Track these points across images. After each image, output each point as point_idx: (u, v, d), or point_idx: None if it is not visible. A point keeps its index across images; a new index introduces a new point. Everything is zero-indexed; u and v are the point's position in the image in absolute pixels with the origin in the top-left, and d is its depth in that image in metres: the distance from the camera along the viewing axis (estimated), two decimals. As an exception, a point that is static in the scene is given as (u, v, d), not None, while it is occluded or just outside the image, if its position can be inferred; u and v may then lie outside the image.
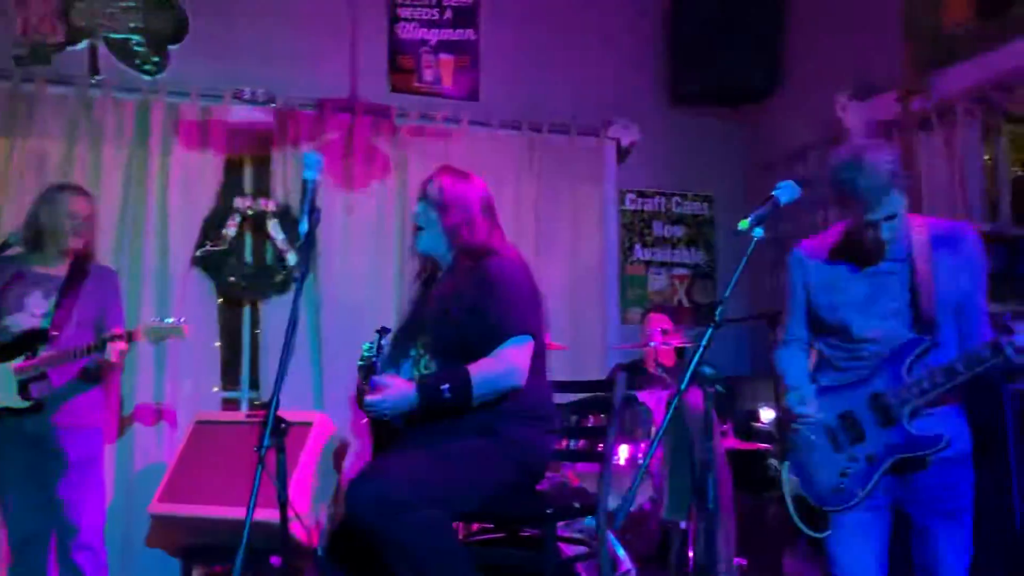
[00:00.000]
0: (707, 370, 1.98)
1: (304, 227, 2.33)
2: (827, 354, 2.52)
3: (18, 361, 3.34)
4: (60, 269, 3.52)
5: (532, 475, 2.72)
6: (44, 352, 3.36)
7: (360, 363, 2.54)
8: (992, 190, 4.34)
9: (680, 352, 4.36)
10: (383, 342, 2.60)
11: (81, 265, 3.54)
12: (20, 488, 3.42)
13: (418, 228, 2.75)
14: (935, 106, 4.28)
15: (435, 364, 2.68)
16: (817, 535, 2.41)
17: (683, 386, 1.97)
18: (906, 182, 2.34)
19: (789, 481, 2.48)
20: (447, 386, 2.53)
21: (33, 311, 3.44)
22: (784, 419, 2.52)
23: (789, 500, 2.47)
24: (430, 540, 2.40)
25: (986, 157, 4.40)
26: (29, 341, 3.38)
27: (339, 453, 3.89)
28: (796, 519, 2.46)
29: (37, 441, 3.39)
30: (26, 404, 3.33)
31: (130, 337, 3.34)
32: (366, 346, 2.57)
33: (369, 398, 2.57)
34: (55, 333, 3.37)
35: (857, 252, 2.43)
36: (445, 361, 2.64)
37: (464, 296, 2.62)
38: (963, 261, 2.39)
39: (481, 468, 2.55)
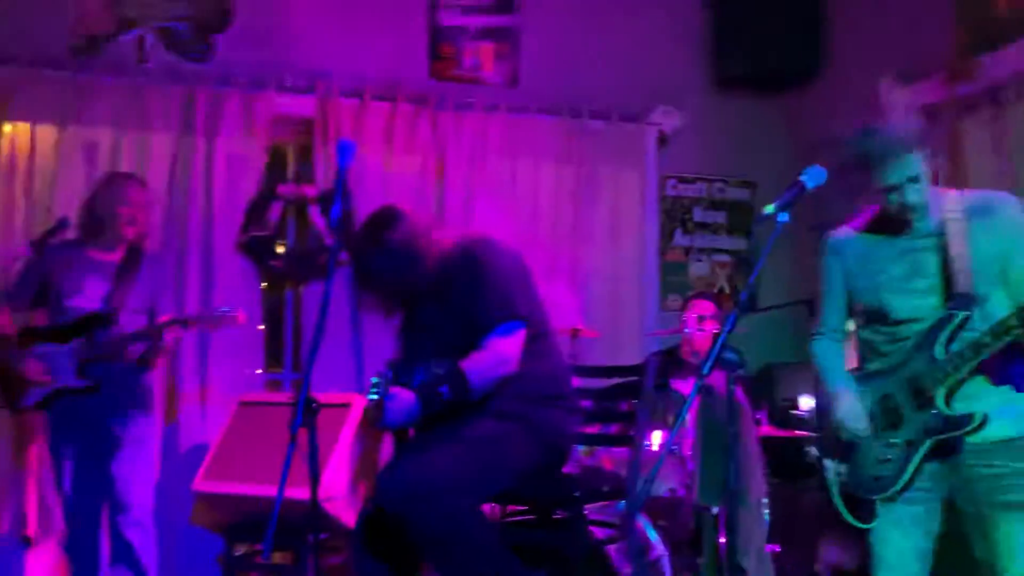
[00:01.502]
0: (730, 356, 1.99)
1: (337, 211, 2.38)
2: (870, 339, 2.48)
3: (77, 343, 3.44)
4: (116, 255, 3.61)
5: (555, 455, 2.75)
6: (101, 335, 3.45)
7: (371, 396, 2.57)
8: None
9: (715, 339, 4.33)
10: (389, 375, 2.63)
11: (136, 252, 3.63)
12: (76, 465, 3.53)
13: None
14: (983, 90, 4.19)
15: (446, 361, 2.68)
16: (863, 526, 2.38)
17: (706, 371, 1.97)
18: (925, 144, 2.29)
19: (834, 472, 2.45)
20: (445, 387, 2.57)
21: (91, 295, 3.54)
22: (829, 418, 2.49)
23: (835, 490, 2.46)
24: (461, 528, 2.45)
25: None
26: (88, 324, 3.47)
27: (377, 434, 3.94)
28: (842, 509, 2.44)
29: (94, 420, 3.49)
30: (83, 385, 3.44)
31: (185, 324, 3.42)
32: (375, 380, 2.59)
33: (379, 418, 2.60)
34: (112, 317, 3.47)
35: (887, 223, 2.39)
36: (456, 357, 2.65)
37: (456, 296, 2.66)
38: (999, 227, 2.31)
39: (504, 453, 2.59)
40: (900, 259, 2.39)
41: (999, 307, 2.28)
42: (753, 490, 3.16)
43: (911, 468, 2.31)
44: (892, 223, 2.38)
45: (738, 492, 3.09)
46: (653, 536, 3.35)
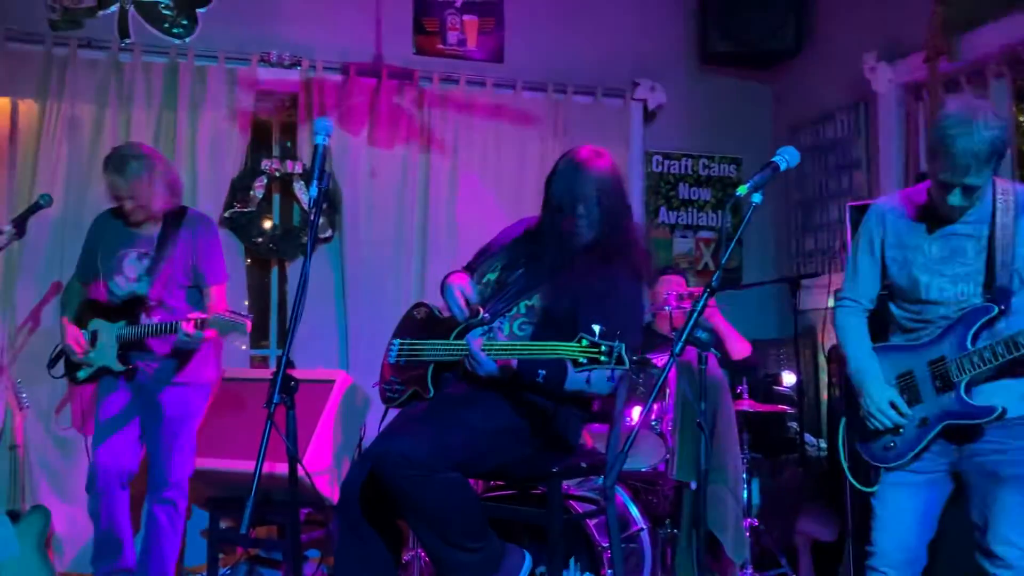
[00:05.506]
0: (701, 335, 2.01)
1: (315, 191, 2.39)
2: (896, 314, 2.52)
3: (121, 326, 3.43)
4: (153, 228, 3.53)
5: (553, 452, 2.77)
6: (143, 318, 3.42)
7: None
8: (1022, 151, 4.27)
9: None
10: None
11: (173, 223, 3.51)
12: (112, 433, 3.49)
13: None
14: (964, 68, 4.20)
15: (529, 329, 2.70)
16: (866, 489, 2.47)
17: (677, 350, 2.00)
18: (1001, 159, 2.29)
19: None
20: (543, 372, 2.58)
21: (128, 274, 3.51)
22: (848, 386, 2.53)
23: (843, 454, 2.52)
24: (450, 501, 2.50)
25: (1021, 119, 4.32)
26: (130, 306, 3.45)
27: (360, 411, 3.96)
28: (847, 472, 2.51)
29: (138, 392, 3.49)
30: (123, 368, 3.44)
31: (201, 325, 3.29)
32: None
33: (476, 349, 2.57)
34: (152, 300, 3.41)
35: (930, 212, 2.42)
36: (538, 332, 2.66)
37: (592, 293, 2.63)
38: None
39: (509, 442, 2.63)
40: (941, 241, 2.41)
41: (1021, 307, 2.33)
42: (731, 466, 3.20)
43: (922, 444, 2.39)
44: (932, 210, 2.41)
45: (714, 469, 3.12)
46: (634, 510, 3.40)
